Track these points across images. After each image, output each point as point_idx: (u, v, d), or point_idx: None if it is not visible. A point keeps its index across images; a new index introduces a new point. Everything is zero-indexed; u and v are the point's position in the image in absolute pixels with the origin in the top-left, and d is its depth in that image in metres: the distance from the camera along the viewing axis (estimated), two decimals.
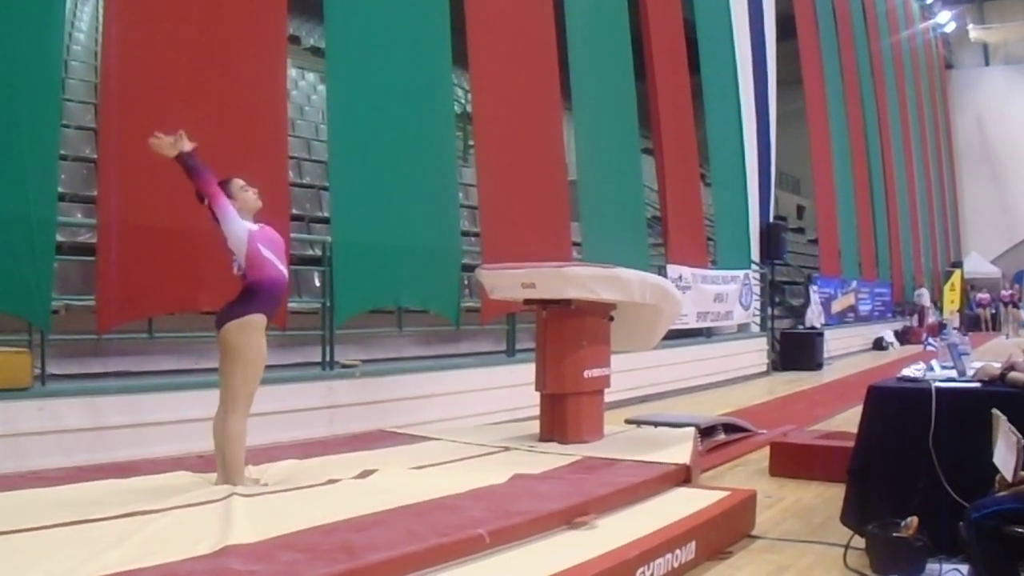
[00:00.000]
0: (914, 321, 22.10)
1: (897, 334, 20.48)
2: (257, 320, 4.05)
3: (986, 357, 4.83)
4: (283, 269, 4.20)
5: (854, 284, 18.77)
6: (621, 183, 10.08)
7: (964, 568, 3.48)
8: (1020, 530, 2.95)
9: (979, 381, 3.99)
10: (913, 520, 3.64)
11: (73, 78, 9.42)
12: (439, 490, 4.01)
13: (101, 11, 8.07)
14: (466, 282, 8.09)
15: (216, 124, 5.46)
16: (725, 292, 12.15)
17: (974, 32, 31.31)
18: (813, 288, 16.22)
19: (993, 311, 28.11)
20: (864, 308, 19.53)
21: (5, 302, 4.82)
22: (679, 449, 5.26)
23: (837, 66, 18.70)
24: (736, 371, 12.18)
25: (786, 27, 16.13)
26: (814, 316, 15.68)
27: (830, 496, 4.90)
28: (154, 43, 5.41)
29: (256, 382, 4.11)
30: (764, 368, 13.35)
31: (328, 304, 6.44)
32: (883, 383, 4.27)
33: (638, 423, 6.65)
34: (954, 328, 19.30)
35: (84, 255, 5.81)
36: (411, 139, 7.02)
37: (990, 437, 3.28)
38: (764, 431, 7.25)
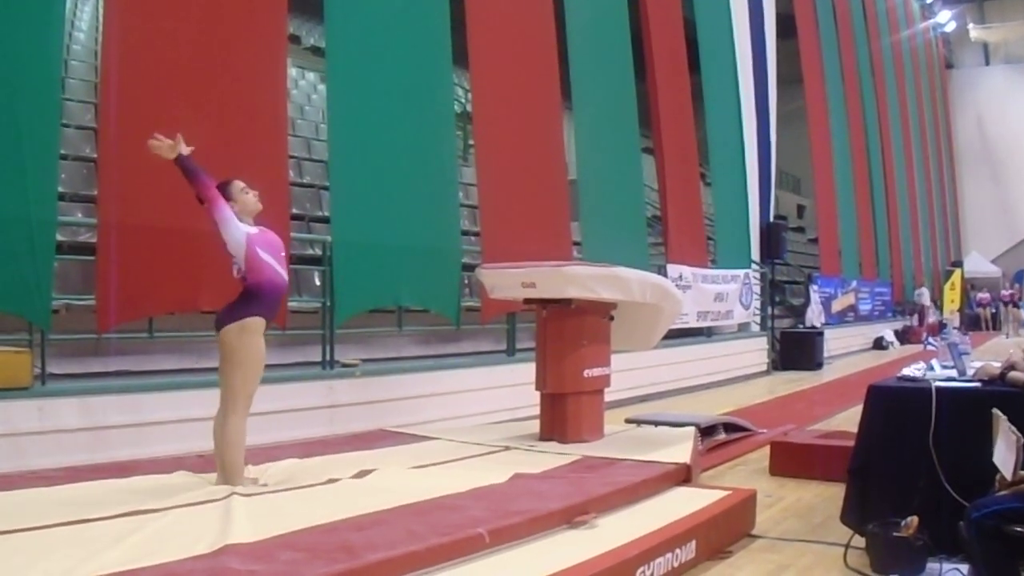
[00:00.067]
0: (914, 320, 22.10)
1: (897, 334, 20.49)
2: (256, 322, 4.06)
3: (986, 356, 4.84)
4: (283, 272, 4.20)
5: (854, 283, 18.77)
6: (621, 182, 10.08)
7: (964, 567, 3.48)
8: (1020, 529, 2.96)
9: (979, 380, 3.99)
10: (913, 519, 3.64)
11: (73, 78, 9.41)
12: (439, 489, 4.01)
13: (101, 11, 8.08)
14: (466, 281, 8.09)
15: (216, 124, 5.46)
16: (725, 291, 12.15)
17: (974, 31, 31.31)
18: (813, 287, 16.23)
19: (993, 310, 28.10)
20: (864, 307, 19.53)
21: (5, 302, 4.82)
22: (679, 448, 5.26)
23: (837, 65, 18.70)
24: (736, 370, 12.18)
25: (786, 26, 16.13)
26: (814, 315, 15.68)
27: (830, 495, 4.90)
28: (154, 43, 5.41)
29: (255, 383, 4.11)
30: (764, 368, 13.35)
31: (328, 303, 6.44)
32: (883, 383, 4.27)
33: (638, 422, 6.65)
34: (954, 327, 19.30)
35: (84, 255, 5.81)
36: (411, 139, 7.02)
37: (990, 436, 3.28)
38: (764, 430, 7.25)
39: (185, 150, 3.99)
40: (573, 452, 5.21)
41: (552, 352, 5.66)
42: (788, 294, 17.15)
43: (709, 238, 12.77)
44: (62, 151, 6.49)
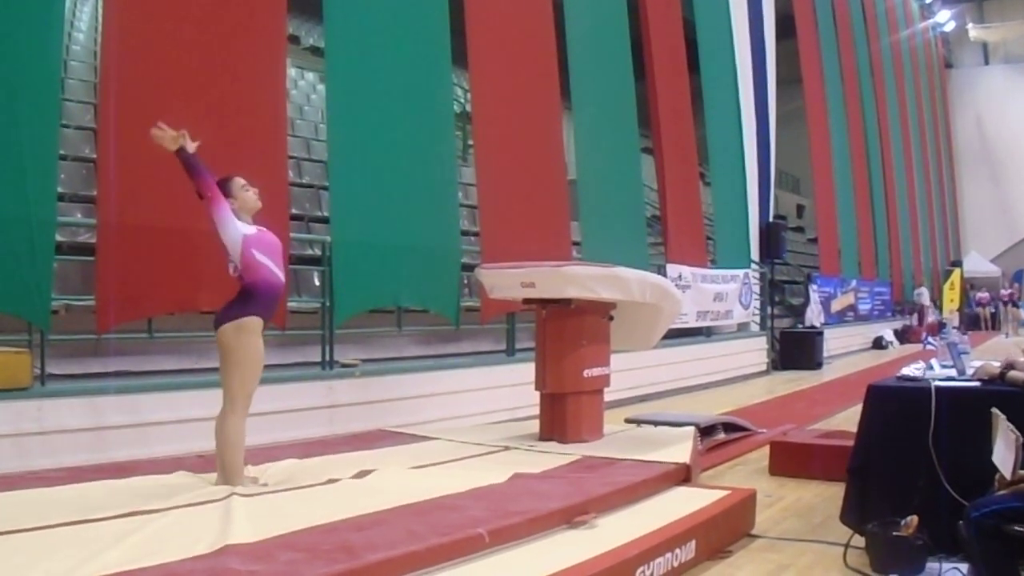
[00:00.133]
0: (914, 320, 22.11)
1: (897, 333, 20.50)
2: (253, 322, 4.06)
3: (985, 356, 4.84)
4: (279, 273, 4.20)
5: (854, 283, 18.78)
6: (621, 182, 10.09)
7: (964, 567, 3.48)
8: (1020, 528, 2.96)
9: (978, 380, 3.99)
10: (913, 519, 3.64)
11: (73, 78, 9.41)
12: (439, 489, 4.01)
13: (101, 11, 8.07)
14: (466, 281, 8.09)
15: (216, 124, 5.45)
16: (725, 291, 12.15)
17: (974, 31, 31.33)
18: (813, 287, 16.23)
19: (992, 310, 28.13)
20: (864, 307, 19.54)
21: (5, 302, 4.82)
22: (679, 448, 5.26)
23: (837, 65, 18.71)
24: (736, 370, 12.18)
25: (786, 26, 16.14)
26: (814, 315, 15.68)
27: (830, 495, 4.90)
28: (154, 43, 5.41)
29: (254, 383, 4.12)
30: (764, 367, 13.36)
31: (328, 304, 6.44)
32: (883, 382, 4.28)
33: (638, 422, 6.66)
34: (954, 327, 19.28)
35: (84, 255, 5.81)
36: (411, 139, 7.02)
37: (990, 436, 3.28)
38: (764, 430, 7.26)
39: (191, 146, 3.99)
40: (573, 452, 5.21)
41: (552, 352, 5.66)
42: (787, 294, 17.15)
43: (708, 238, 12.77)
44: (62, 151, 6.49)
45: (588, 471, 4.69)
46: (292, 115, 10.69)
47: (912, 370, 4.34)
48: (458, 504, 3.78)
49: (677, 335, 10.51)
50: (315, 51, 14.13)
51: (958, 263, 28.50)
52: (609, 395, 6.11)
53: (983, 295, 28.35)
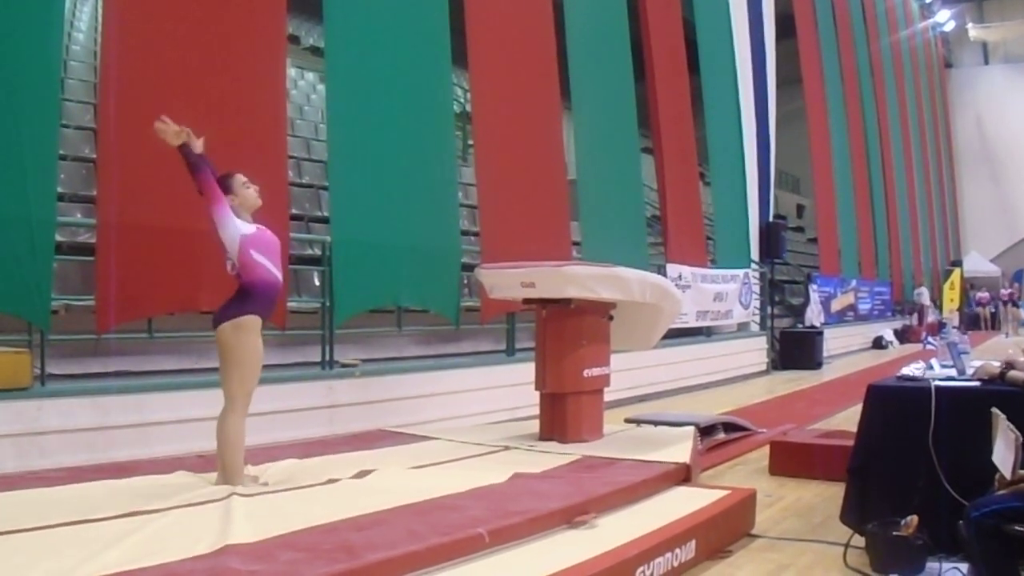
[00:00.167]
0: (914, 320, 22.11)
1: (897, 333, 20.50)
2: (251, 321, 4.07)
3: (985, 356, 4.84)
4: (276, 272, 4.20)
5: (854, 283, 18.78)
6: (621, 182, 10.09)
7: (964, 567, 3.48)
8: (1020, 528, 2.96)
9: (978, 380, 3.99)
10: (913, 519, 3.64)
11: (73, 78, 9.41)
12: (439, 489, 4.01)
13: (101, 11, 8.07)
14: (466, 281, 8.09)
15: (215, 123, 5.41)
16: (725, 291, 12.15)
17: (973, 31, 31.34)
18: (813, 287, 16.23)
19: (992, 310, 28.13)
20: (864, 307, 19.54)
21: (5, 302, 4.82)
22: (679, 448, 5.26)
23: (837, 65, 18.71)
24: (736, 370, 12.18)
25: (786, 26, 16.14)
26: (814, 315, 15.69)
27: (830, 495, 4.90)
28: (153, 43, 5.41)
29: (253, 382, 4.12)
30: (764, 367, 13.36)
31: (328, 304, 6.44)
32: (883, 382, 4.28)
33: (638, 422, 6.66)
34: (953, 327, 19.27)
35: (84, 255, 5.80)
36: (410, 139, 7.02)
37: (990, 436, 3.28)
38: (764, 430, 7.25)
39: (197, 146, 4.00)
40: (573, 452, 5.21)
41: (552, 352, 5.66)
42: (787, 294, 17.15)
43: (708, 238, 12.78)
44: (62, 151, 6.49)
45: (588, 471, 4.69)
46: (292, 115, 10.69)
47: (912, 370, 4.33)
48: (458, 504, 3.78)
49: (677, 335, 10.51)
50: (315, 51, 14.13)
51: (958, 263, 28.51)
52: (609, 395, 6.11)
53: (983, 295, 28.35)
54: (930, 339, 17.09)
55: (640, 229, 10.56)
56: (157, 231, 5.31)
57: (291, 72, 12.33)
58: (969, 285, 28.70)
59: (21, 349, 4.89)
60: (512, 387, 6.98)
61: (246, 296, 4.09)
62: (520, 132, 8.29)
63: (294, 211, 7.94)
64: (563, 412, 5.63)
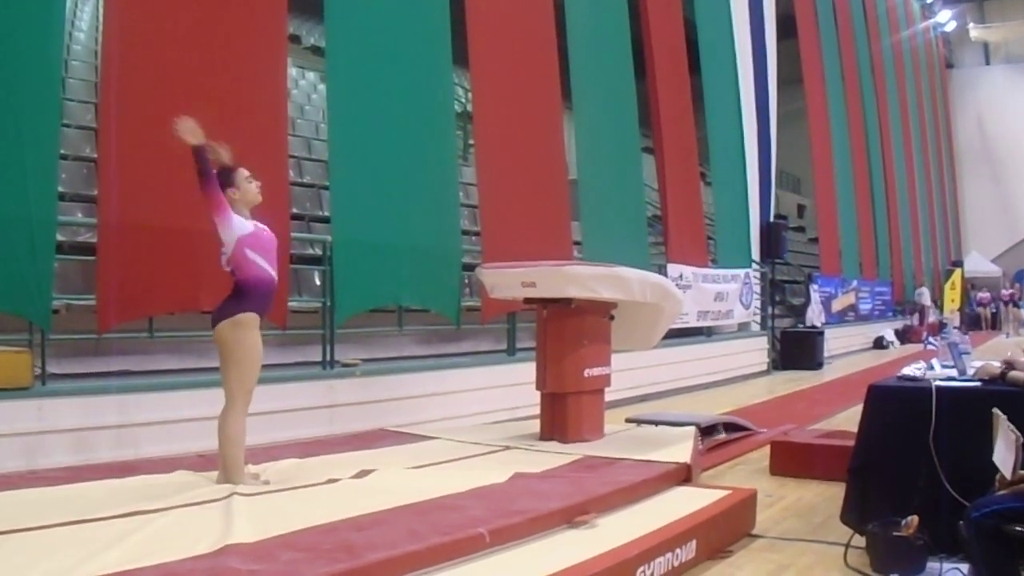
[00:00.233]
0: (914, 320, 22.10)
1: (897, 333, 20.49)
2: (249, 318, 4.08)
3: (986, 356, 4.83)
4: (270, 270, 4.20)
5: (854, 283, 18.77)
6: (621, 182, 10.08)
7: (964, 567, 3.47)
8: (1020, 529, 2.95)
9: (979, 380, 3.99)
10: (913, 519, 3.64)
11: (73, 78, 9.41)
12: (439, 489, 4.01)
13: (101, 10, 8.07)
14: (466, 281, 8.09)
15: (216, 123, 5.38)
16: (725, 291, 12.15)
17: (974, 31, 31.31)
18: (813, 287, 16.23)
19: (993, 310, 28.12)
20: (864, 307, 19.53)
21: (5, 302, 4.82)
22: (679, 448, 5.26)
23: (837, 65, 18.70)
24: (736, 370, 12.18)
25: (786, 26, 16.13)
26: (814, 315, 15.68)
27: (830, 495, 4.90)
28: (154, 42, 5.41)
29: (253, 380, 4.12)
30: (764, 367, 13.36)
31: (328, 303, 6.44)
32: (883, 382, 4.27)
33: (638, 422, 6.65)
34: (954, 327, 19.28)
35: (84, 255, 5.81)
36: (411, 138, 7.02)
37: (990, 436, 3.28)
38: (764, 430, 7.25)
39: (224, 157, 4.03)
40: (573, 452, 5.21)
41: (552, 352, 5.66)
42: (788, 294, 17.15)
43: (709, 238, 12.77)
44: (62, 151, 6.49)
45: (588, 471, 4.68)
46: (293, 114, 10.69)
47: (913, 370, 4.33)
48: (459, 504, 3.78)
49: (677, 335, 10.51)
50: (316, 51, 14.14)
51: (959, 263, 28.49)
52: (609, 395, 6.11)
53: (984, 295, 28.34)
54: (931, 339, 17.09)
55: (641, 229, 10.56)
56: (158, 231, 5.31)
57: (292, 72, 12.32)
58: (970, 285, 28.69)
59: (22, 348, 4.89)
60: (513, 387, 6.97)
61: (242, 294, 4.10)
62: (521, 132, 8.29)
63: (295, 210, 7.94)
64: (564, 412, 5.63)
